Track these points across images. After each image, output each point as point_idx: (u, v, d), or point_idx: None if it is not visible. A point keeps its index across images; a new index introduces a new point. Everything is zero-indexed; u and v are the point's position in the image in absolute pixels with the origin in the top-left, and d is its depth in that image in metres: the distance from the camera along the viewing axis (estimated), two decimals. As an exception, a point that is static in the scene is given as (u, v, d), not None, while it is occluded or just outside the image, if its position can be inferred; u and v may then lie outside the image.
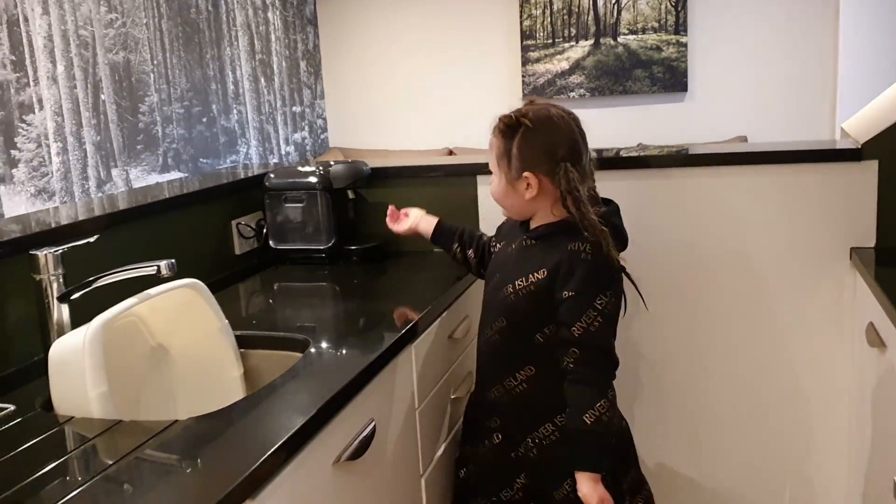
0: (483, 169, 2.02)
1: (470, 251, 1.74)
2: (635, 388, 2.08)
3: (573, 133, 1.46)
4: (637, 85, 3.27)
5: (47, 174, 3.35)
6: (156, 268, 1.32)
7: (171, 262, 1.32)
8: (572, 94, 4.02)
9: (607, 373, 1.44)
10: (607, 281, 1.43)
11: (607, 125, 2.74)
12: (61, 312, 1.38)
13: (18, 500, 0.93)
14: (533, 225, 1.52)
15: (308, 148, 5.04)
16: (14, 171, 3.20)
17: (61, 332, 1.36)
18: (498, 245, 1.62)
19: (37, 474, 1.00)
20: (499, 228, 1.68)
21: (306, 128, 5.02)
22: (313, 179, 1.99)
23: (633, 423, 1.83)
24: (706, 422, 2.04)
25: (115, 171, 3.66)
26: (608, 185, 1.62)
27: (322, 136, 5.04)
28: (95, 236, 1.44)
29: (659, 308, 1.96)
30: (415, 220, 1.80)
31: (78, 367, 1.20)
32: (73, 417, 1.18)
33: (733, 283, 1.97)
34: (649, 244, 1.97)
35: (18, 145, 3.20)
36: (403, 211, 1.83)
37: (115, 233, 1.58)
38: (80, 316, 1.35)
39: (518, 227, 1.57)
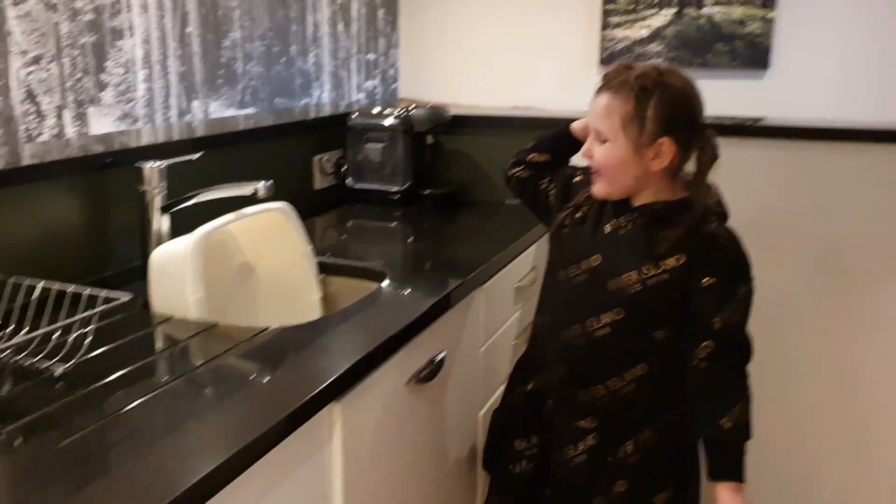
0: (552, 124, 2.06)
1: (544, 180, 1.51)
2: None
3: (703, 100, 1.32)
4: (717, 59, 3.25)
5: (133, 100, 3.47)
6: (254, 188, 1.40)
7: (269, 184, 1.40)
8: (648, 61, 3.98)
9: (745, 370, 1.30)
10: (746, 267, 1.31)
11: None
12: (161, 223, 1.48)
13: (120, 386, 1.02)
14: (645, 201, 1.33)
15: (378, 97, 5.10)
16: (102, 94, 3.32)
17: (160, 242, 1.46)
18: (573, 217, 1.40)
19: (139, 363, 1.10)
20: (564, 174, 1.49)
21: (378, 76, 5.07)
22: (395, 121, 2.06)
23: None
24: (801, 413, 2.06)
25: (195, 103, 3.77)
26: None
27: (392, 87, 5.09)
28: (198, 154, 1.53)
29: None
30: None
31: (178, 272, 1.30)
32: (171, 317, 1.28)
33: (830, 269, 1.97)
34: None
35: (108, 70, 3.33)
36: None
37: (211, 155, 1.67)
38: (176, 229, 1.45)
39: (605, 204, 1.37)
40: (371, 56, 4.93)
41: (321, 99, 4.84)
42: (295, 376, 1.08)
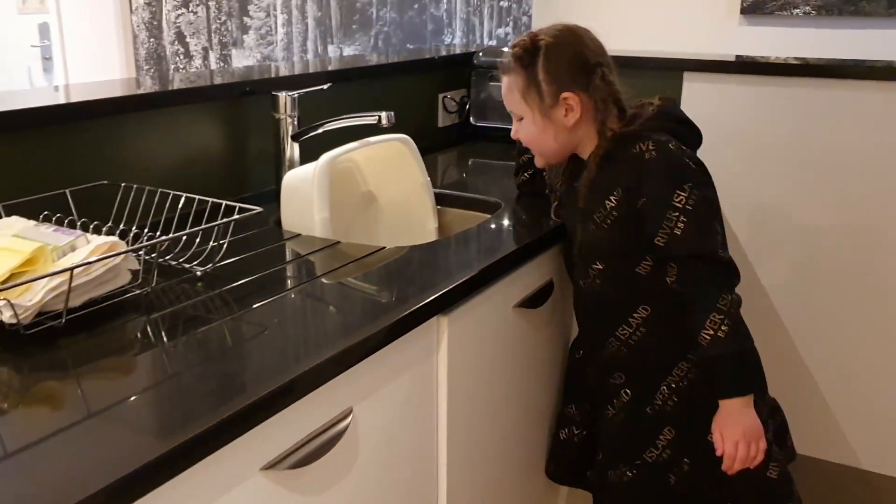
0: (691, 65, 2.04)
1: (531, 172, 1.56)
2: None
3: (595, 39, 1.32)
4: (872, 6, 3.04)
5: (272, 43, 3.64)
6: (377, 117, 1.48)
7: (391, 114, 1.48)
8: (796, 10, 3.80)
9: (713, 279, 1.22)
10: (680, 174, 1.23)
11: (833, 50, 2.59)
12: (293, 150, 1.58)
13: (251, 288, 1.13)
14: (585, 155, 1.34)
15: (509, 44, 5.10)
16: (245, 36, 3.50)
17: (291, 167, 1.57)
18: (560, 201, 1.43)
19: (268, 270, 1.21)
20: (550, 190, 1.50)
21: (510, 23, 5.07)
22: (519, 62, 2.08)
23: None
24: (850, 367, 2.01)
25: (330, 48, 3.91)
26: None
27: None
28: (328, 84, 1.62)
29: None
30: None
31: (307, 194, 1.40)
32: (299, 235, 1.38)
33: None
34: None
35: (250, 13, 3.50)
36: None
37: (340, 88, 1.76)
38: (305, 157, 1.55)
39: (568, 174, 1.40)
40: (504, 3, 4.93)
41: (453, 45, 4.89)
42: (407, 289, 1.15)
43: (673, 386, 1.32)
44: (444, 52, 2.40)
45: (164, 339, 0.97)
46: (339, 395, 0.96)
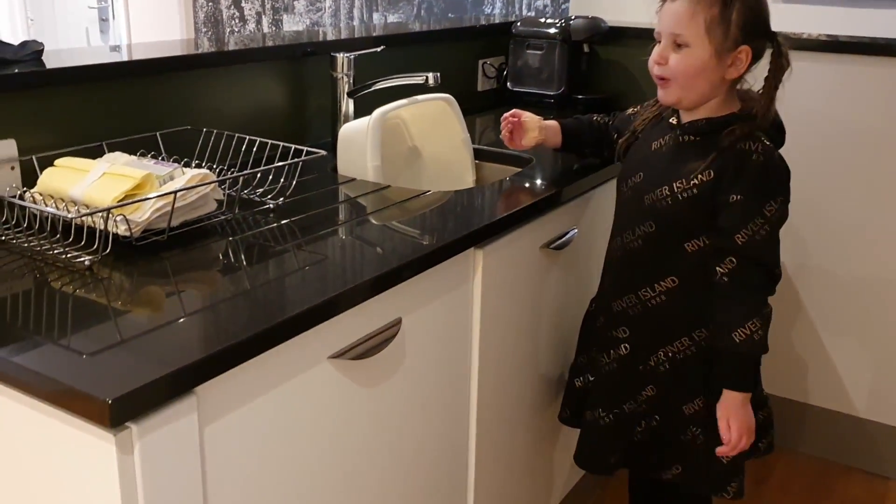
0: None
1: (604, 151, 1.60)
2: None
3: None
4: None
5: (321, 10, 3.82)
6: (425, 78, 1.65)
7: (437, 75, 1.65)
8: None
9: (764, 288, 1.31)
10: (778, 186, 1.30)
11: (866, 29, 2.66)
12: (348, 105, 1.77)
13: (315, 219, 1.32)
14: (693, 117, 1.34)
15: (549, 15, 5.22)
16: (296, 2, 3.69)
17: (346, 121, 1.75)
18: (633, 139, 1.47)
19: (328, 206, 1.40)
20: (624, 118, 1.56)
21: (550, -5, 5.19)
22: (554, 30, 2.24)
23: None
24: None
25: (375, 16, 4.08)
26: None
27: (564, 6, 5.18)
28: (382, 47, 1.80)
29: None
30: (540, 134, 1.58)
31: (361, 144, 1.58)
32: (353, 179, 1.57)
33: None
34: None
35: (302, -20, 3.68)
36: (512, 114, 1.59)
37: (391, 51, 1.93)
38: (358, 112, 1.73)
39: (660, 122, 1.42)
40: (544, -26, 5.03)
41: (493, 15, 5.02)
42: (447, 224, 1.34)
43: (670, 354, 1.39)
44: (483, 22, 2.56)
45: (244, 257, 1.16)
46: (391, 306, 1.14)
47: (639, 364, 1.42)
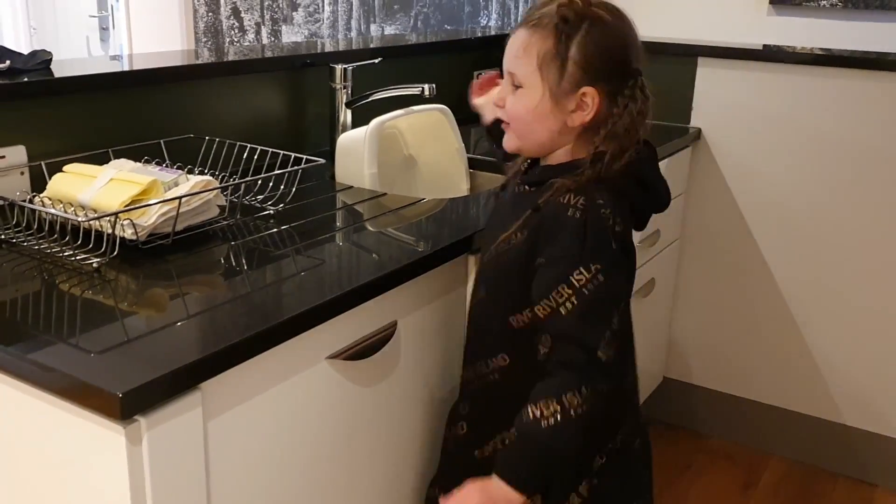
0: (704, 51, 2.22)
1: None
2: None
3: (637, 40, 1.10)
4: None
5: (319, 21, 3.87)
6: (421, 89, 1.70)
7: (433, 86, 1.70)
8: (824, 2, 3.90)
9: (581, 372, 1.02)
10: (597, 251, 1.03)
11: (860, 42, 2.70)
12: (346, 115, 1.82)
13: (313, 225, 1.37)
14: (539, 165, 1.16)
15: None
16: (294, 13, 3.74)
17: (344, 130, 1.80)
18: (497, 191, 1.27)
19: (326, 213, 1.44)
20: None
21: (545, 7, 5.27)
22: (548, 44, 2.29)
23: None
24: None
25: (373, 27, 4.13)
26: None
27: (558, 18, 5.27)
28: (379, 59, 1.85)
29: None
30: (490, 97, 1.32)
31: (358, 152, 1.63)
32: (351, 187, 1.61)
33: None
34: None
35: (300, -8, 3.73)
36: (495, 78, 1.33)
37: (388, 63, 1.98)
38: (356, 122, 1.78)
39: (523, 169, 1.20)
40: (539, -13, 5.11)
41: (488, 27, 5.09)
42: (442, 230, 1.38)
43: (507, 442, 1.14)
44: (479, 34, 2.62)
45: (245, 261, 1.21)
46: (387, 309, 1.19)
47: (475, 448, 1.20)
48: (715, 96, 2.23)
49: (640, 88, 1.07)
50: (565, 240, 1.04)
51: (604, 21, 1.06)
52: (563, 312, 1.03)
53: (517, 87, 1.09)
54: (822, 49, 2.29)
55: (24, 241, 1.17)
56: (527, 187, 1.14)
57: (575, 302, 1.02)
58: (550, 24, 1.05)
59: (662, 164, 2.07)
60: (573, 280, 1.02)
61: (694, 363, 2.42)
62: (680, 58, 2.24)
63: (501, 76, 1.16)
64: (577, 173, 1.06)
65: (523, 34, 1.08)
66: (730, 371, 2.38)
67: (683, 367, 2.43)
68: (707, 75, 2.23)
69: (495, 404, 1.18)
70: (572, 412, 1.00)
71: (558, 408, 1.00)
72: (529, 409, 1.02)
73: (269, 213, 1.37)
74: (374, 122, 1.64)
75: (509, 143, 1.15)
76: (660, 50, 2.25)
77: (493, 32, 2.70)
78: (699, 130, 2.26)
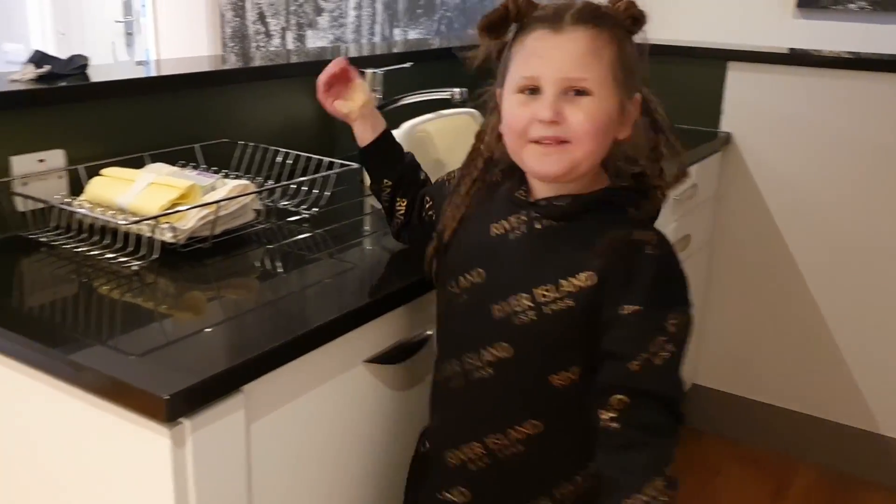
0: (734, 55, 2.20)
1: (402, 200, 1.19)
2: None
3: None
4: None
5: (343, 25, 3.88)
6: (451, 93, 1.70)
7: (463, 91, 1.70)
8: (851, 5, 3.85)
9: (668, 432, 0.91)
10: (682, 289, 0.94)
11: (886, 48, 2.67)
12: (376, 119, 1.82)
13: (346, 229, 1.37)
14: (549, 193, 0.98)
15: None
16: (319, 18, 3.75)
17: (374, 134, 1.80)
18: (461, 218, 1.04)
19: (357, 217, 1.45)
20: (438, 185, 1.17)
21: (568, 11, 5.26)
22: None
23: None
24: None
25: (396, 31, 4.14)
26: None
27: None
28: (410, 63, 1.85)
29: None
30: (363, 108, 1.21)
31: (389, 156, 1.62)
32: (382, 191, 1.61)
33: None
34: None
35: (325, -4, 3.75)
36: (349, 71, 1.23)
37: (417, 67, 1.98)
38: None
39: (493, 194, 1.03)
40: (562, -9, 5.11)
41: (511, 31, 5.05)
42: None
43: None
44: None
45: (280, 264, 1.21)
46: (422, 313, 1.19)
47: None
48: (746, 100, 2.22)
49: (656, 100, 0.99)
50: (650, 283, 0.90)
51: (642, 23, 0.97)
52: (658, 364, 0.90)
53: (580, 94, 0.92)
54: (850, 52, 2.26)
55: (63, 244, 1.19)
56: (552, 221, 0.97)
57: (671, 350, 0.90)
58: (620, 21, 0.94)
59: (692, 170, 2.07)
60: (668, 326, 0.90)
61: (724, 369, 2.40)
62: (709, 61, 2.23)
63: (350, 66, 1.13)
64: (646, 205, 0.97)
65: (584, 34, 0.92)
66: (760, 377, 2.36)
67: (713, 372, 2.41)
68: (737, 79, 2.22)
69: (508, 482, 0.99)
70: (675, 487, 0.89)
71: (664, 487, 0.88)
72: (634, 498, 0.87)
73: (304, 217, 1.38)
74: (405, 125, 1.64)
75: (560, 164, 0.93)
76: (689, 53, 2.24)
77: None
78: (729, 135, 2.25)
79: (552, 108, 0.91)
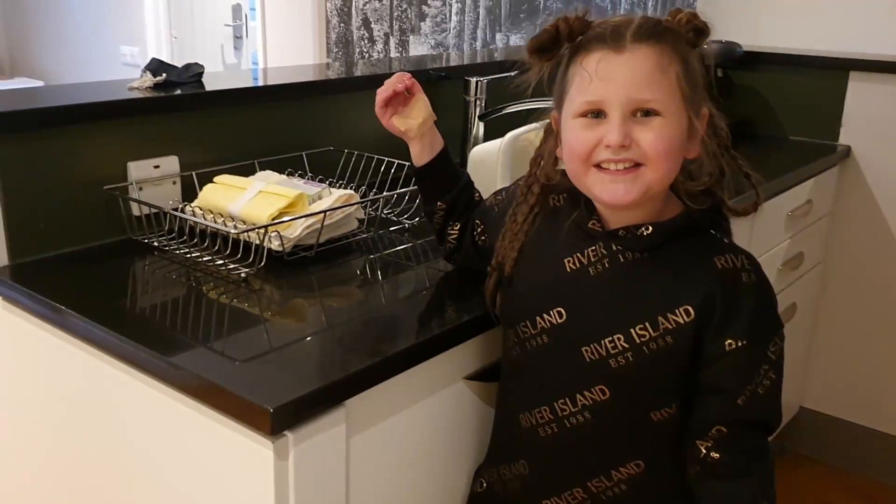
0: (856, 64, 2.10)
1: (455, 224, 1.14)
2: None
3: None
4: None
5: (446, 31, 3.89)
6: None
7: (570, 100, 1.66)
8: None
9: (767, 453, 0.91)
10: (776, 310, 0.92)
11: None
12: (479, 128, 1.81)
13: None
14: (624, 222, 0.92)
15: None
16: (422, 23, 3.78)
17: (476, 143, 1.79)
18: (521, 247, 0.99)
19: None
20: (486, 209, 1.12)
21: (674, 16, 5.13)
22: (686, 56, 2.22)
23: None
24: None
25: (498, 36, 4.13)
26: None
27: (687, 26, 5.11)
28: (515, 72, 1.82)
29: None
30: (422, 126, 1.12)
31: (492, 165, 1.61)
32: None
33: None
34: None
35: (428, 2, 3.77)
36: (409, 77, 1.12)
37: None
38: (487, 136, 1.76)
39: (555, 221, 0.98)
40: (669, -6, 4.98)
41: (614, 36, 4.97)
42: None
43: None
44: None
45: (382, 275, 1.21)
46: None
47: None
48: (867, 112, 2.10)
49: (715, 117, 0.93)
50: (752, 315, 0.88)
51: (707, 37, 0.92)
52: (761, 393, 0.88)
53: (648, 114, 0.87)
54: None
55: (175, 249, 1.22)
56: (636, 253, 0.91)
57: (773, 377, 0.89)
58: (683, 37, 0.89)
59: (807, 185, 1.98)
60: (770, 354, 0.89)
61: (834, 393, 2.28)
62: (829, 71, 2.13)
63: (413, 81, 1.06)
64: (717, 223, 0.92)
65: (647, 52, 0.87)
66: (872, 403, 2.23)
67: (822, 396, 2.30)
68: (859, 90, 2.10)
69: None
70: (772, 497, 0.90)
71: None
72: None
73: (405, 227, 1.37)
74: (510, 135, 1.62)
75: (632, 192, 0.88)
76: (808, 63, 2.15)
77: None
78: (848, 148, 2.14)
79: (620, 132, 0.86)
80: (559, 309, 0.93)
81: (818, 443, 2.31)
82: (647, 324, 0.89)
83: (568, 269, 0.94)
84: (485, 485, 1.07)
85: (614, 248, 0.92)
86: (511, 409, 1.01)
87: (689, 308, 0.87)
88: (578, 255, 0.94)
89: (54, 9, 4.66)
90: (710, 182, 0.92)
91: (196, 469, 0.95)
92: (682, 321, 0.88)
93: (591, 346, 0.91)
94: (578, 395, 0.93)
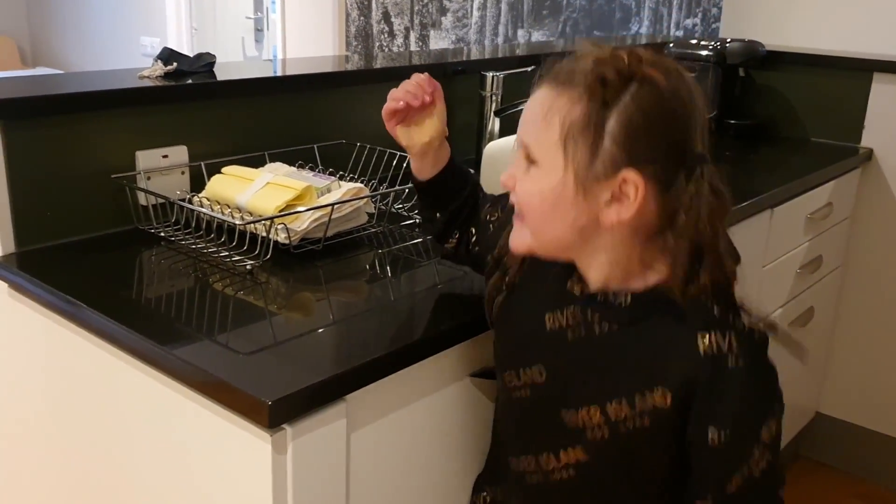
0: (881, 66, 2.05)
1: (454, 233, 1.08)
2: None
3: (704, 110, 0.82)
4: None
5: (467, 26, 3.87)
6: (573, 99, 1.65)
7: (586, 97, 1.64)
8: None
9: None
10: (773, 394, 0.83)
11: None
12: (494, 124, 1.79)
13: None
14: (601, 286, 0.85)
15: (698, 35, 5.09)
16: (443, 18, 3.76)
17: (492, 139, 1.77)
18: (500, 285, 0.95)
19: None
20: (489, 224, 1.05)
21: (700, 14, 5.06)
22: (708, 52, 2.19)
23: None
24: None
25: (520, 32, 4.10)
26: None
27: (714, 26, 5.04)
28: (532, 67, 1.81)
29: None
30: (434, 139, 1.03)
31: (506, 161, 1.58)
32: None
33: None
34: None
35: (450, -3, 3.75)
36: (426, 91, 1.02)
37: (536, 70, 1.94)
38: (503, 132, 1.74)
39: (539, 272, 0.91)
40: (694, -7, 4.93)
41: (639, 33, 4.96)
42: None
43: None
44: (628, 42, 2.53)
45: (390, 270, 1.20)
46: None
47: None
48: (891, 114, 2.06)
49: (708, 182, 0.78)
50: (739, 404, 0.80)
51: (658, 84, 0.78)
52: (756, 476, 0.82)
53: (531, 162, 0.82)
54: None
55: (181, 239, 1.21)
56: (612, 324, 0.84)
57: (769, 458, 0.82)
58: (584, 83, 0.78)
59: (828, 187, 1.94)
60: (763, 436, 0.81)
61: (851, 399, 2.24)
62: (852, 72, 2.08)
63: (435, 90, 0.99)
64: (705, 293, 0.80)
65: (545, 94, 0.81)
66: (890, 410, 2.19)
67: (839, 402, 2.26)
68: (883, 92, 2.06)
69: None
70: None
71: None
72: None
73: (415, 222, 1.36)
74: (524, 131, 1.60)
75: (518, 240, 0.86)
76: (831, 64, 2.11)
77: (643, 41, 2.61)
78: (871, 151, 2.09)
79: (507, 171, 0.85)
80: (539, 367, 0.89)
81: (834, 449, 2.27)
82: (623, 401, 0.83)
83: (547, 328, 0.88)
84: (489, 500, 1.05)
85: (590, 317, 0.86)
86: (502, 446, 1.00)
87: (667, 393, 0.81)
88: (558, 312, 0.88)
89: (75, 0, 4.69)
90: (662, 281, 0.82)
91: (196, 460, 0.94)
92: (658, 405, 0.82)
93: (570, 412, 0.87)
94: (562, 452, 0.89)
